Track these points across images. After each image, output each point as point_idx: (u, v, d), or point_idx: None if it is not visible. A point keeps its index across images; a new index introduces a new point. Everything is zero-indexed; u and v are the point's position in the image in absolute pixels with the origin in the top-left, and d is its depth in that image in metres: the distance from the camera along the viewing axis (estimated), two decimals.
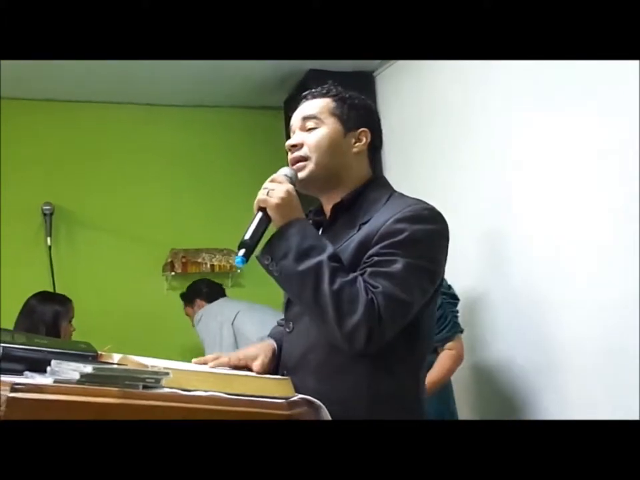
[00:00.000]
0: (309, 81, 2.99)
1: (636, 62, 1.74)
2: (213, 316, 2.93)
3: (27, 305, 2.40)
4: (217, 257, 3.44)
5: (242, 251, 1.06)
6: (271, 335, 1.28)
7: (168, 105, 3.51)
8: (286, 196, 1.09)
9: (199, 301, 3.05)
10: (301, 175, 1.17)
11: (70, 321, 2.52)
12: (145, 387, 0.84)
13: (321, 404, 0.97)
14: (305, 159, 1.17)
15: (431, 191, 2.63)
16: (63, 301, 2.47)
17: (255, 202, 1.11)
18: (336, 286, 1.02)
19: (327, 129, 1.18)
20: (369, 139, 1.21)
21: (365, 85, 3.19)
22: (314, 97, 1.22)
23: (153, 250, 3.37)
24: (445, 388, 2.20)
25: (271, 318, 2.33)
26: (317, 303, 1.03)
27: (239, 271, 3.49)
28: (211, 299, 3.02)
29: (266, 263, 1.08)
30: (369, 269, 1.06)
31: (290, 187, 1.11)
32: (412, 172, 2.96)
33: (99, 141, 3.40)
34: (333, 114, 1.19)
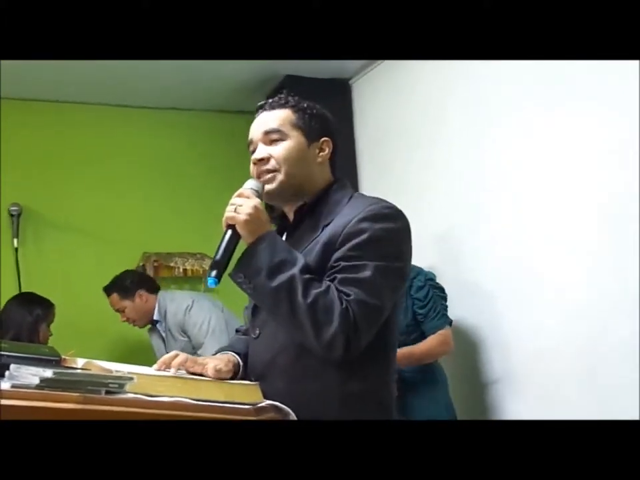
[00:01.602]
0: (285, 87, 2.99)
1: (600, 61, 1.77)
2: (208, 302, 2.82)
3: (6, 306, 2.37)
4: (190, 261, 3.40)
5: (214, 272, 1.07)
6: (230, 346, 1.27)
7: (142, 106, 3.46)
8: (253, 212, 1.09)
9: (142, 293, 2.81)
10: (269, 187, 1.18)
11: (49, 325, 2.49)
12: (107, 393, 0.82)
13: (289, 410, 0.97)
14: (273, 171, 1.18)
15: (405, 196, 2.67)
16: (45, 305, 2.45)
17: (223, 219, 1.11)
18: (310, 298, 1.03)
19: (291, 142, 1.19)
20: (330, 148, 1.23)
21: (341, 92, 3.20)
22: (272, 107, 1.22)
23: (124, 253, 3.31)
24: (441, 393, 2.20)
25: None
26: (293, 316, 1.04)
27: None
28: (154, 291, 2.85)
29: (239, 281, 1.09)
30: (338, 276, 1.07)
31: (257, 201, 1.12)
32: (386, 177, 2.99)
33: (69, 142, 3.34)
34: (296, 126, 1.20)
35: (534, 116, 2.16)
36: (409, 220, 1.16)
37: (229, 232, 1.10)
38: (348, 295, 1.04)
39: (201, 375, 1.09)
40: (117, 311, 2.87)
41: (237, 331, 1.39)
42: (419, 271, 2.26)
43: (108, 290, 2.86)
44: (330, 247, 1.10)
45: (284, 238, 1.22)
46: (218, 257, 1.08)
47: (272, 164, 1.18)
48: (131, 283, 2.82)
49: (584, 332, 1.97)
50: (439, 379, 2.23)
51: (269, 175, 1.18)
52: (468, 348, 2.23)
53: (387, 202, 1.15)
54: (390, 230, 1.11)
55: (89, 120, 3.38)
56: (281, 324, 1.10)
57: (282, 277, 1.04)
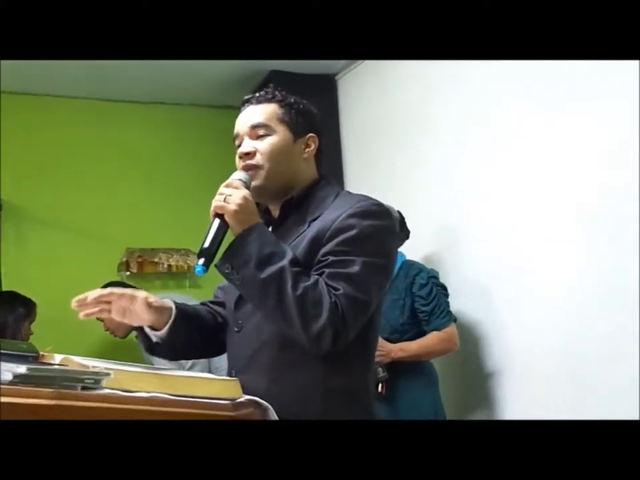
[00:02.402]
0: (271, 83, 2.98)
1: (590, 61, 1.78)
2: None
3: None
4: (175, 257, 3.38)
5: (201, 260, 1.06)
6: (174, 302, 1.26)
7: (127, 101, 3.43)
8: (243, 202, 1.09)
9: None
10: (255, 183, 1.17)
11: (31, 324, 2.48)
12: (84, 388, 0.81)
13: (268, 405, 0.96)
14: (258, 167, 1.18)
15: (390, 191, 2.67)
16: (28, 304, 2.45)
17: (212, 208, 1.10)
18: (299, 291, 1.03)
19: (277, 137, 1.19)
20: (317, 145, 1.23)
21: (327, 88, 3.20)
22: (259, 102, 1.22)
23: (108, 249, 3.29)
24: (431, 391, 2.19)
25: None
26: (282, 309, 1.04)
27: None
28: None
29: (226, 271, 1.08)
30: (327, 270, 1.07)
31: (246, 192, 1.11)
32: (372, 173, 2.99)
33: (52, 136, 3.30)
34: (282, 121, 1.20)
35: (526, 111, 2.16)
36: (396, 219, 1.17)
37: (217, 221, 1.09)
38: (337, 290, 1.04)
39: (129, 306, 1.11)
40: (99, 320, 2.86)
41: (201, 303, 1.36)
42: (421, 268, 2.23)
43: None
44: (317, 241, 1.10)
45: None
46: (206, 245, 1.07)
47: (257, 159, 1.17)
48: None
49: (574, 330, 1.97)
50: (429, 377, 2.22)
51: (254, 171, 1.17)
52: (461, 344, 2.23)
53: (374, 200, 1.16)
54: (378, 227, 1.12)
55: (73, 114, 3.34)
56: (267, 316, 1.09)
57: (271, 269, 1.04)
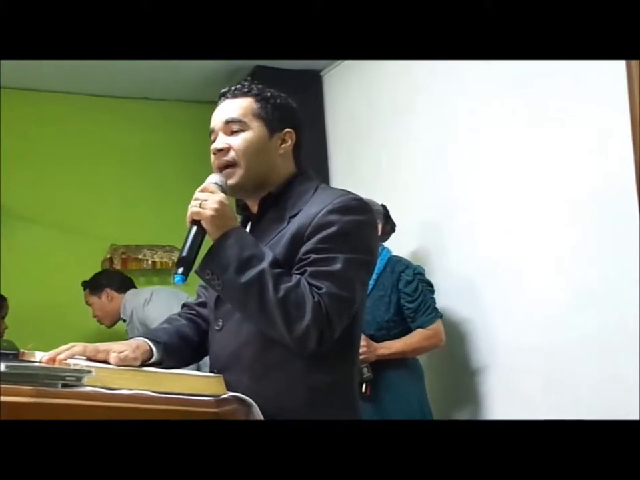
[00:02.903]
0: (256, 78, 2.96)
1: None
2: (168, 294, 2.75)
3: None
4: (159, 253, 3.36)
5: (180, 269, 1.05)
6: (150, 333, 1.21)
7: (111, 96, 3.40)
8: (219, 207, 1.07)
9: (109, 291, 2.82)
10: (230, 181, 1.15)
11: (3, 318, 2.44)
12: (64, 386, 0.80)
13: (253, 402, 0.96)
14: (233, 164, 1.16)
15: (375, 187, 2.67)
16: None
17: (188, 215, 1.09)
18: (281, 293, 1.02)
19: (252, 133, 1.16)
20: (293, 140, 1.21)
21: (313, 84, 3.19)
22: (235, 96, 1.19)
23: (92, 245, 3.26)
24: (417, 389, 2.19)
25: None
26: (264, 312, 1.03)
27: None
28: (122, 290, 2.84)
29: (207, 277, 1.07)
30: (309, 269, 1.06)
31: (222, 196, 1.10)
32: (357, 169, 2.99)
33: (38, 132, 3.26)
34: (258, 116, 1.17)
35: (514, 107, 2.16)
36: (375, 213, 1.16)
37: (194, 228, 1.08)
38: (319, 288, 1.03)
39: (105, 362, 1.03)
40: (89, 305, 2.88)
41: (183, 305, 1.34)
42: (408, 264, 2.22)
43: (83, 284, 2.90)
44: (298, 238, 1.09)
45: (248, 229, 1.21)
46: (184, 253, 1.06)
47: (231, 155, 1.15)
48: (103, 280, 2.85)
49: (561, 327, 1.98)
50: (414, 373, 2.21)
51: (229, 169, 1.15)
52: (448, 340, 2.24)
53: (354, 194, 1.15)
54: (358, 222, 1.10)
55: (59, 110, 3.30)
56: (250, 319, 1.08)
57: (251, 272, 1.03)
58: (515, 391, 2.15)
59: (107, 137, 3.40)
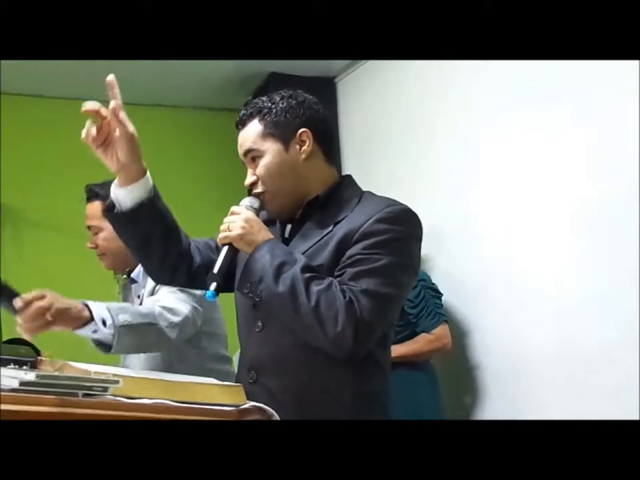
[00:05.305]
0: (270, 85, 2.97)
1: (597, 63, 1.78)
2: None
3: None
4: None
5: (213, 285, 1.08)
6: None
7: (125, 102, 3.39)
8: (246, 224, 1.11)
9: None
10: (269, 208, 1.19)
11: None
12: (86, 395, 0.80)
13: (274, 412, 0.95)
14: (262, 193, 1.18)
15: (391, 195, 2.65)
16: None
17: (218, 238, 1.13)
18: (313, 297, 1.04)
19: (267, 155, 1.17)
20: (311, 138, 1.18)
21: (327, 90, 3.19)
22: (243, 124, 1.20)
23: None
24: (434, 388, 2.21)
25: None
26: (299, 317, 1.05)
27: None
28: None
29: (246, 291, 1.10)
30: (349, 269, 1.08)
31: (249, 214, 1.13)
32: (372, 176, 2.97)
33: (48, 138, 3.27)
34: (266, 135, 1.17)
35: (524, 113, 2.16)
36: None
37: (225, 248, 1.12)
38: (355, 287, 1.05)
39: None
40: (89, 228, 2.02)
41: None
42: None
43: (90, 194, 2.00)
44: (345, 244, 1.10)
45: (288, 229, 1.21)
46: (214, 270, 1.10)
47: (260, 186, 1.18)
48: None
49: (564, 329, 1.98)
50: (428, 380, 2.23)
51: (264, 198, 1.18)
52: (453, 343, 2.24)
53: (403, 204, 1.15)
54: (407, 234, 1.13)
55: (69, 116, 3.29)
56: (291, 326, 1.10)
57: (284, 280, 1.05)
58: (519, 393, 2.14)
59: None
